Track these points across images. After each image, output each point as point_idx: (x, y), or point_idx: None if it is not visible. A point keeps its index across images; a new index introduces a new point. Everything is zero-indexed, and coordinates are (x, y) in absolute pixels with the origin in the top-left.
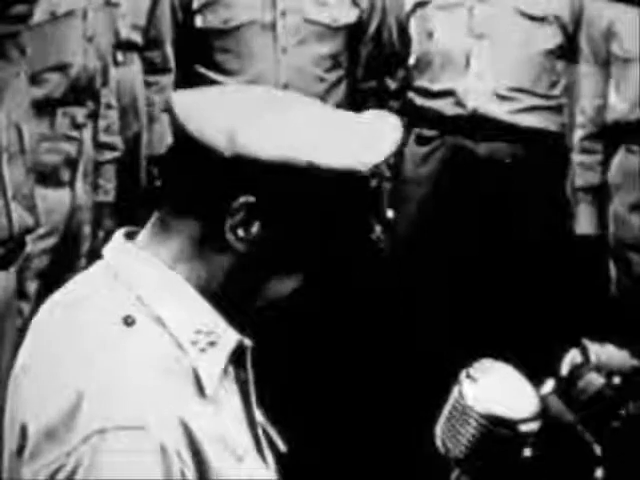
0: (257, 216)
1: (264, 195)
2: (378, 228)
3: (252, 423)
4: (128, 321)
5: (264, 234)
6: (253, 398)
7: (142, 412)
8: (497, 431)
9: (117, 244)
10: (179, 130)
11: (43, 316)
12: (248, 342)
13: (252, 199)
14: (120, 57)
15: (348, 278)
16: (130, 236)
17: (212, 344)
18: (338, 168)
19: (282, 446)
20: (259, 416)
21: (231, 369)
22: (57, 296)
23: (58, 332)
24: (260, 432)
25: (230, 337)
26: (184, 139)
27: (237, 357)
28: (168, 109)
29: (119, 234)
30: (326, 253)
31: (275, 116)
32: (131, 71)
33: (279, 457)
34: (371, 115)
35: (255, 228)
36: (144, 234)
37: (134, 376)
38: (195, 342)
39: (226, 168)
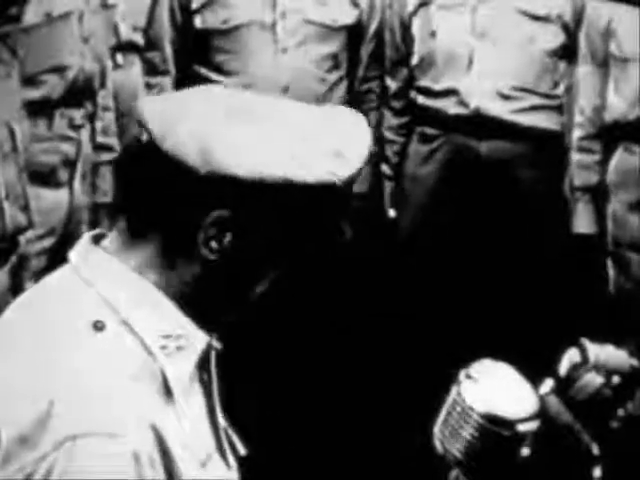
0: (230, 229)
1: (238, 209)
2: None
3: (215, 424)
4: (98, 326)
5: (236, 244)
6: (216, 399)
7: (113, 418)
8: (496, 431)
9: (84, 248)
10: (151, 143)
11: (9, 317)
12: (217, 345)
13: (226, 213)
14: (120, 60)
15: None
16: (97, 240)
17: (180, 348)
18: (313, 182)
19: (242, 449)
20: (221, 418)
21: (195, 371)
22: (24, 298)
23: (26, 336)
24: (222, 434)
25: (198, 341)
26: (155, 151)
27: (202, 359)
28: (139, 122)
29: (86, 238)
30: (297, 257)
31: (247, 129)
32: (132, 73)
33: (241, 459)
34: (341, 115)
35: (228, 239)
36: (112, 240)
37: (104, 382)
38: (164, 347)
39: (200, 184)
